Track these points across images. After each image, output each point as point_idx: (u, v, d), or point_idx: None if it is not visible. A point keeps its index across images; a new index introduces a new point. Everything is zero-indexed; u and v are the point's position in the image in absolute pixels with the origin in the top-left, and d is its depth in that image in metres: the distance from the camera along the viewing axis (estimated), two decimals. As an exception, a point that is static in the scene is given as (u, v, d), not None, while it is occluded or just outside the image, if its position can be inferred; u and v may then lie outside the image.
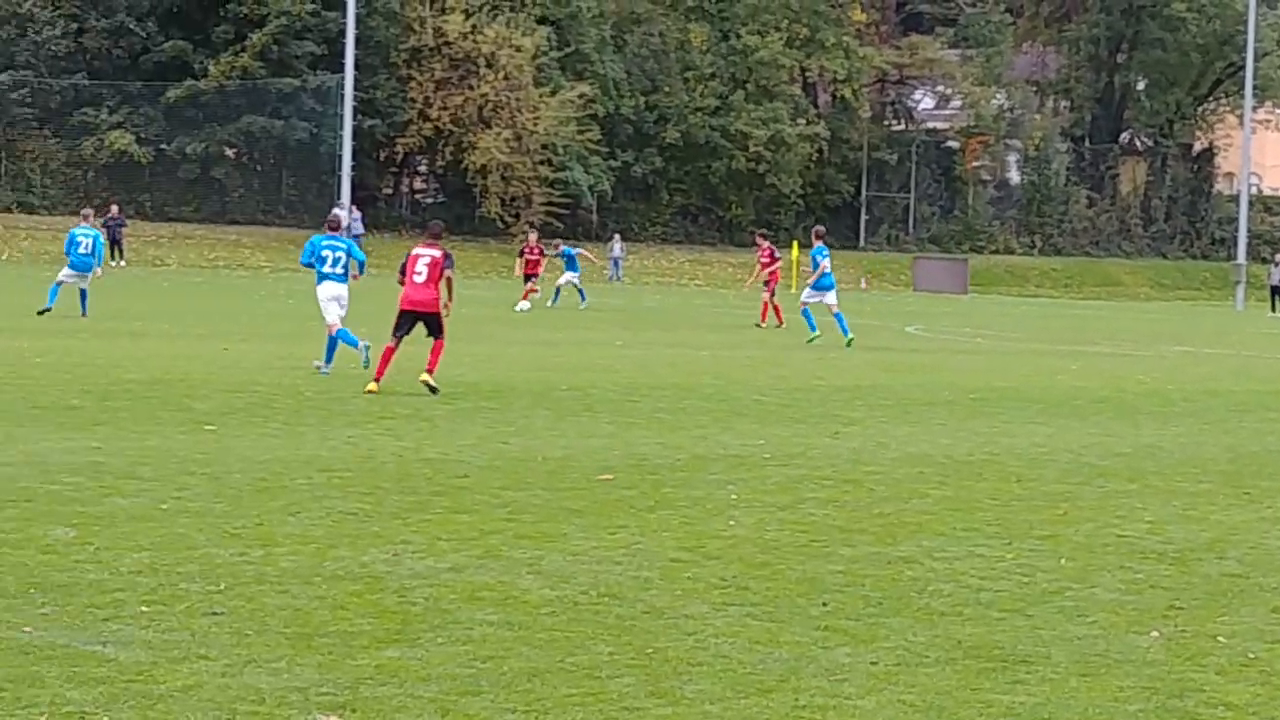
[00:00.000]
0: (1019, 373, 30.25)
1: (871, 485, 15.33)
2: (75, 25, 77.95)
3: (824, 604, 10.28)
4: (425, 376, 21.61)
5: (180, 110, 77.28)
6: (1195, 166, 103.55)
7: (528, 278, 47.12)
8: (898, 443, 18.64)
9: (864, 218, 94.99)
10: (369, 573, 10.68)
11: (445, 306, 22.15)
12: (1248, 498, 15.48)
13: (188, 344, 28.61)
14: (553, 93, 79.87)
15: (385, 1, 79.60)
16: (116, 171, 77.77)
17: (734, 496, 14.35)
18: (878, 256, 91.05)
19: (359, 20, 75.99)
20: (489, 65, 79.00)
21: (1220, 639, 9.74)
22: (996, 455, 17.91)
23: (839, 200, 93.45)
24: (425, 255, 22.08)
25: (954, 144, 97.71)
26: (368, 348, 23.76)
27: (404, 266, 22.33)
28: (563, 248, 51.27)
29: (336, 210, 72.29)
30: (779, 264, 43.66)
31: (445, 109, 79.38)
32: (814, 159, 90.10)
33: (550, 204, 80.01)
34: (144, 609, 9.46)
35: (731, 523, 13.05)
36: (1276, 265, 75.87)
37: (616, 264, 77.50)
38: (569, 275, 49.41)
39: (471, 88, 79.43)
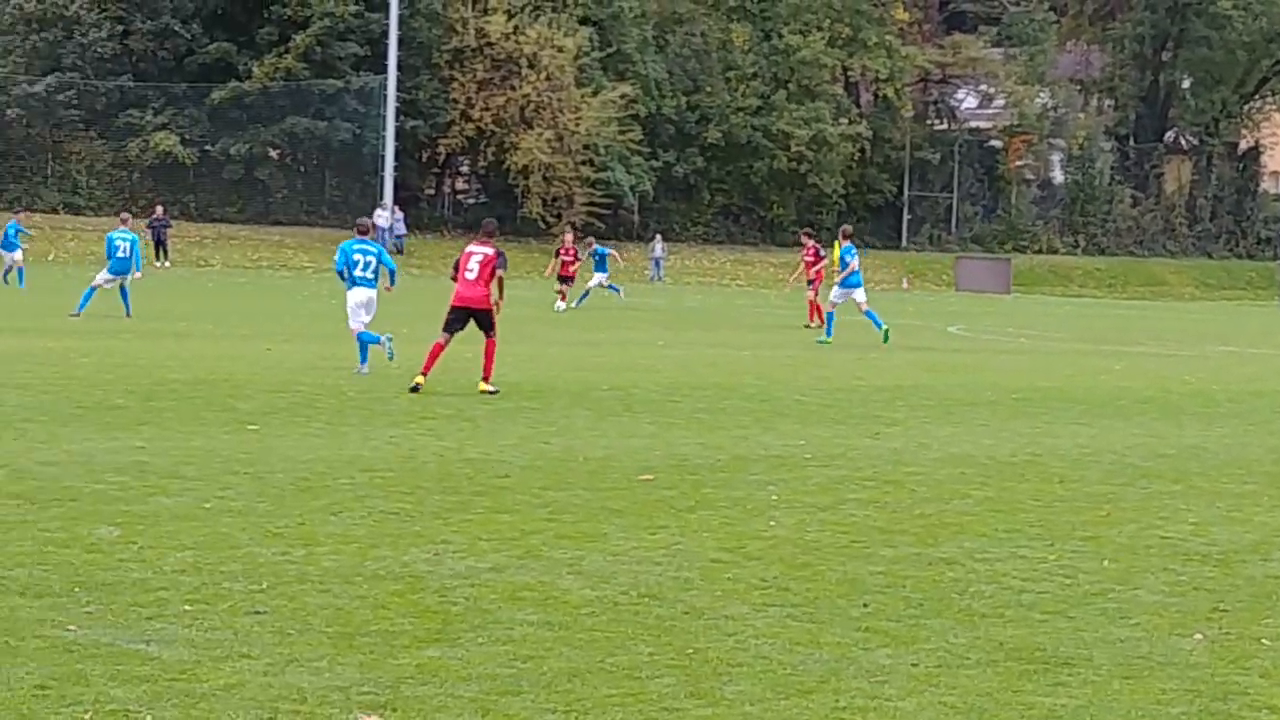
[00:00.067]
0: (1062, 373, 30.13)
1: (913, 486, 15.29)
2: (121, 28, 78.34)
3: (865, 605, 10.26)
4: (484, 385, 21.71)
5: (224, 111, 77.62)
6: (1241, 165, 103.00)
7: (562, 279, 46.83)
8: (939, 443, 18.59)
9: (906, 217, 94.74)
10: (410, 572, 10.71)
11: (496, 304, 22.25)
12: (1292, 499, 15.39)
13: (231, 344, 28.73)
14: (594, 93, 79.91)
15: (428, 2, 79.79)
16: (161, 173, 78.16)
17: (775, 497, 14.33)
18: (920, 256, 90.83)
19: (402, 21, 76.27)
20: (531, 66, 79.08)
21: (1264, 642, 9.69)
22: (1039, 456, 17.85)
23: (881, 200, 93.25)
24: (478, 253, 22.20)
25: (997, 143, 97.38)
26: (390, 339, 24.10)
27: (456, 264, 22.42)
28: (595, 246, 51.14)
29: (379, 212, 72.45)
30: (823, 263, 43.54)
31: (487, 110, 79.51)
32: (856, 158, 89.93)
33: (592, 204, 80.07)
34: (187, 608, 9.51)
35: (772, 523, 13.04)
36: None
37: (658, 264, 77.49)
38: (598, 277, 49.31)
39: (513, 88, 79.54)
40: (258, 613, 9.46)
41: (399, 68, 76.47)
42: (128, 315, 34.20)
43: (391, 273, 25.44)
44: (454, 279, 22.56)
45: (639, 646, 9.05)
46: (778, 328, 42.38)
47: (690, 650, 9.00)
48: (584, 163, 79.54)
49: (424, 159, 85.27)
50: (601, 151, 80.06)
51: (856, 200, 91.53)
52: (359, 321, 24.39)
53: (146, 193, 76.67)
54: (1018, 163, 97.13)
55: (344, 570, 10.69)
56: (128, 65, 78.77)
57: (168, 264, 66.45)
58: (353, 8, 77.72)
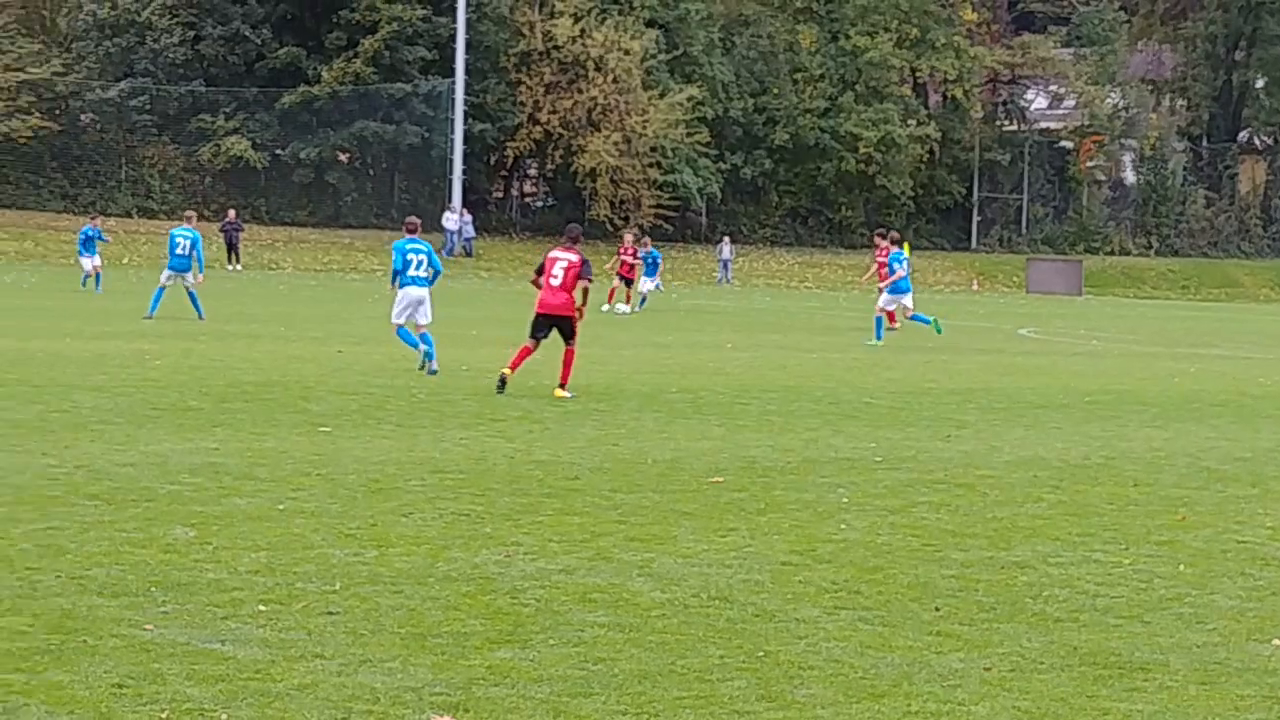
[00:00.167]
0: (1135, 375, 29.93)
1: (984, 489, 15.22)
2: (192, 33, 78.99)
3: (936, 609, 10.22)
4: (559, 392, 21.70)
5: (294, 116, 78.15)
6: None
7: (623, 279, 46.72)
8: (1011, 446, 18.50)
9: (976, 219, 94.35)
10: (481, 574, 10.75)
11: (578, 311, 22.21)
12: (1369, 503, 15.23)
13: (303, 347, 28.90)
14: (661, 95, 79.95)
15: (495, 6, 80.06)
16: (233, 177, 78.80)
17: (845, 500, 14.30)
18: (990, 258, 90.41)
19: (469, 25, 76.55)
20: (598, 68, 79.21)
21: (1341, 646, 9.60)
22: (1112, 459, 17.73)
23: (950, 201, 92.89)
24: (563, 259, 22.10)
25: (1068, 144, 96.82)
26: (428, 355, 24.22)
27: (540, 268, 22.37)
28: (650, 248, 50.94)
29: (448, 215, 72.81)
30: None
31: (554, 112, 79.70)
32: (925, 160, 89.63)
33: (659, 206, 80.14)
34: (261, 608, 9.57)
35: (843, 526, 13.01)
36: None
37: (726, 266, 77.45)
38: (647, 281, 49.10)
39: (580, 91, 79.69)
40: (331, 613, 9.51)
41: (467, 71, 76.76)
42: (200, 318, 34.43)
43: (437, 273, 25.43)
44: (534, 283, 22.51)
45: (710, 649, 9.05)
46: (846, 330, 42.27)
47: (761, 653, 9.00)
48: (651, 165, 79.59)
49: (492, 162, 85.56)
50: (669, 154, 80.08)
51: (925, 202, 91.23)
52: (403, 318, 24.51)
53: (218, 197, 77.32)
54: (1089, 163, 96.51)
55: (416, 571, 10.74)
56: (199, 70, 79.42)
57: (239, 267, 66.92)
58: (420, 12, 78.12)
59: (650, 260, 49.21)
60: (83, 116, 79.39)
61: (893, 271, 36.76)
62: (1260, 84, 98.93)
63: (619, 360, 28.41)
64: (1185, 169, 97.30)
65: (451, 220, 76.70)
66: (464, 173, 78.15)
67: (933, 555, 11.94)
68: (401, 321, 24.74)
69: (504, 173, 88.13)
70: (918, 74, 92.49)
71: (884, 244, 43.14)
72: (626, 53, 78.95)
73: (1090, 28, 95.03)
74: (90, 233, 47.97)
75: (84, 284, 46.70)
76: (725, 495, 14.28)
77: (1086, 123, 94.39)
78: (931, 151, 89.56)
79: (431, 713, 7.76)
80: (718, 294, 66.49)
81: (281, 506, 12.89)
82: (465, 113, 77.17)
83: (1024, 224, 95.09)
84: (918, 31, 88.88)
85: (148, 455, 15.24)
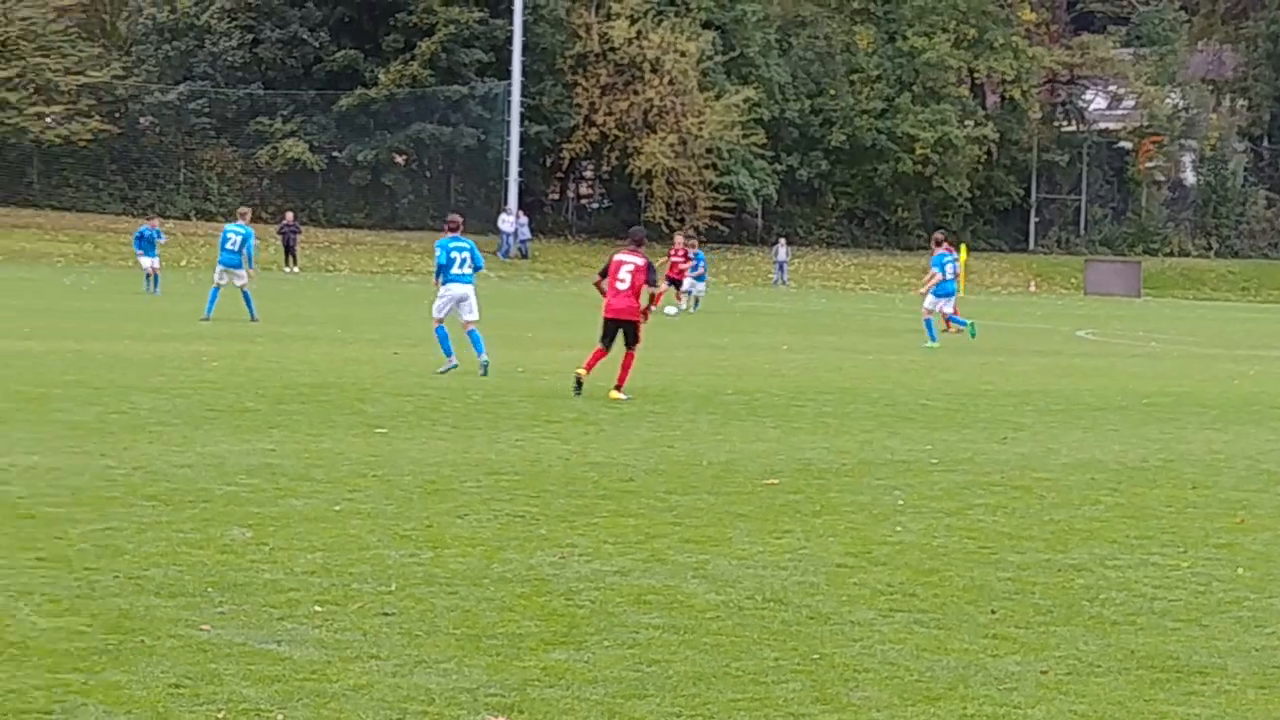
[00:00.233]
0: (1194, 378, 29.74)
1: (1041, 491, 15.16)
2: (250, 36, 79.42)
3: (992, 611, 10.19)
4: (615, 394, 21.72)
5: (351, 118, 78.48)
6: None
7: (672, 280, 46.64)
8: (1068, 448, 18.41)
9: (1034, 220, 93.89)
10: (536, 575, 10.77)
11: (644, 313, 22.23)
12: None
13: (359, 349, 29.02)
14: (717, 97, 79.88)
15: (552, 8, 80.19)
16: (290, 179, 79.19)
17: (900, 502, 14.26)
18: (1047, 259, 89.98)
19: (525, 27, 76.70)
20: (654, 70, 79.21)
21: (1403, 651, 9.51)
22: (1171, 461, 17.62)
23: (1008, 202, 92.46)
24: (629, 263, 22.10)
25: (1127, 145, 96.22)
26: (453, 367, 24.29)
27: (605, 270, 22.35)
28: (696, 251, 50.79)
29: (504, 217, 72.89)
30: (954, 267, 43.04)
31: (610, 114, 79.76)
32: (982, 161, 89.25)
33: (715, 208, 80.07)
34: (317, 609, 9.61)
35: (898, 528, 12.97)
36: None
37: (781, 268, 77.33)
38: (696, 284, 48.95)
39: (636, 93, 79.71)
40: (387, 614, 9.54)
41: (523, 73, 76.91)
42: (254, 319, 34.56)
43: (478, 269, 25.40)
44: (598, 286, 22.50)
45: (764, 651, 9.04)
46: (903, 332, 42.14)
47: (816, 655, 8.98)
48: (707, 167, 79.53)
49: (548, 164, 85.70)
50: (725, 155, 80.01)
51: (983, 203, 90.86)
52: (445, 313, 24.60)
53: (276, 199, 77.71)
54: (1148, 164, 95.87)
55: (471, 572, 10.77)
56: (257, 73, 79.84)
57: (297, 269, 67.23)
58: (477, 14, 78.32)
59: (698, 261, 49.19)
60: (142, 119, 79.97)
61: (942, 270, 36.65)
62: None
63: (674, 362, 28.40)
64: (1246, 169, 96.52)
65: (507, 222, 76.86)
66: (520, 175, 78.30)
67: (989, 558, 11.89)
68: (442, 318, 24.72)
69: (560, 174, 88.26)
70: (975, 74, 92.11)
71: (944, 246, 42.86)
72: (683, 54, 78.90)
73: (1150, 27, 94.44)
74: (147, 232, 48.15)
75: (147, 287, 46.72)
76: (780, 497, 14.26)
77: (1146, 123, 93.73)
78: (989, 152, 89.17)
79: (486, 714, 7.77)
80: (773, 296, 66.42)
81: (337, 507, 12.95)
82: (521, 115, 77.31)
83: (1082, 225, 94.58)
84: (975, 32, 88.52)
85: (205, 456, 15.33)
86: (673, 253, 47.53)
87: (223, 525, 12.01)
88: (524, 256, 76.95)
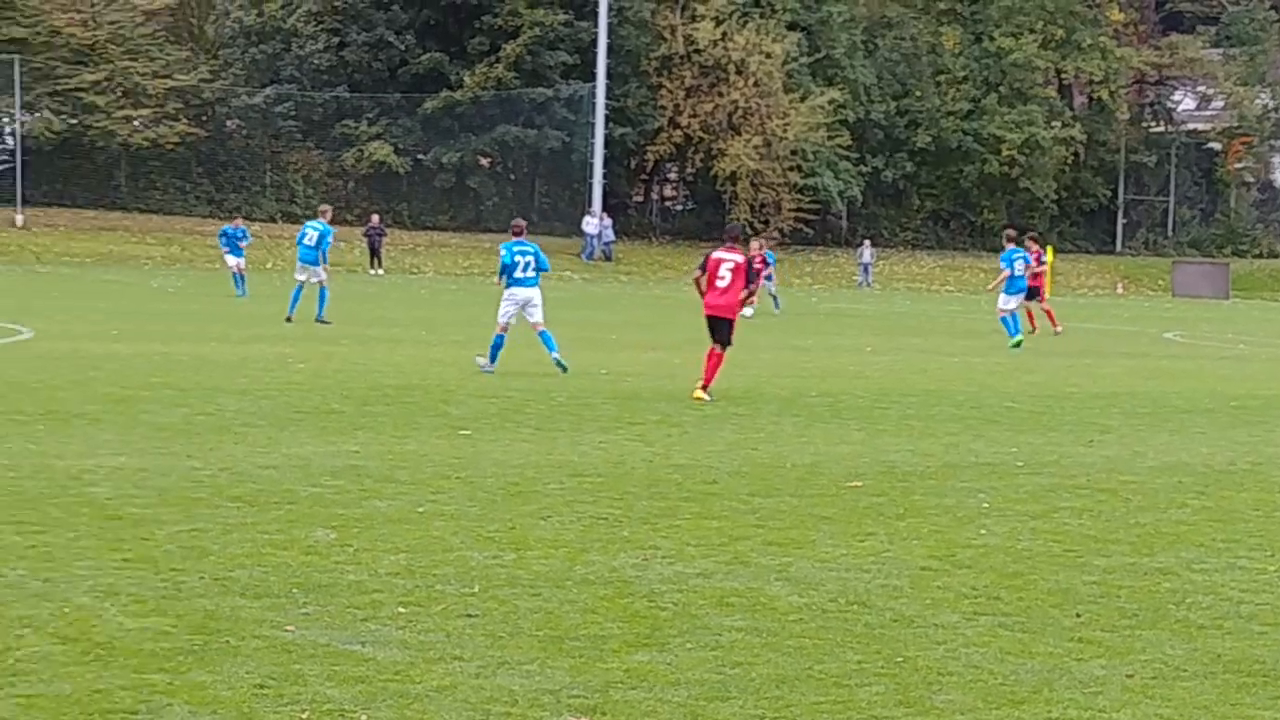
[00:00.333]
0: (1283, 380, 29.40)
1: (1127, 495, 15.03)
2: (337, 40, 79.97)
3: (1078, 615, 10.11)
4: (699, 394, 21.72)
5: (437, 120, 78.86)
6: None
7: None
8: (1155, 451, 18.25)
9: (1121, 221, 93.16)
10: (619, 577, 10.78)
11: (746, 301, 22.29)
12: None
13: (443, 350, 29.14)
14: (803, 98, 79.72)
15: (636, 10, 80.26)
16: (376, 181, 79.66)
17: (985, 505, 14.18)
18: (1135, 261, 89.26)
19: (610, 29, 76.82)
20: (739, 72, 79.13)
21: None
22: (1259, 465, 17.44)
23: (1095, 204, 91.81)
24: (729, 260, 22.17)
25: (1215, 145, 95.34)
26: (489, 368, 24.56)
27: (704, 265, 22.35)
28: (766, 252, 50.59)
29: (588, 219, 73.02)
30: (1044, 268, 42.78)
31: (695, 116, 79.74)
32: (1069, 162, 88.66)
33: (799, 210, 79.90)
34: (401, 610, 9.66)
35: (983, 531, 12.90)
36: None
37: (866, 270, 77.08)
38: (768, 284, 48.80)
39: (721, 94, 79.66)
40: (470, 615, 9.58)
41: (608, 75, 77.02)
42: (319, 319, 34.46)
43: (542, 271, 25.45)
44: (697, 282, 22.50)
45: (847, 654, 9.01)
46: (988, 334, 41.86)
47: (899, 658, 8.94)
48: (792, 168, 79.37)
49: (632, 166, 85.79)
50: (809, 157, 79.82)
51: (1069, 204, 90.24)
52: (511, 318, 24.75)
53: (361, 201, 78.20)
54: (1237, 165, 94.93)
55: (554, 574, 10.79)
56: (343, 76, 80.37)
57: (381, 272, 67.60)
58: (562, 17, 78.50)
59: (770, 263, 49.09)
60: (229, 122, 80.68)
61: (1010, 267, 36.33)
62: None
63: (758, 364, 28.36)
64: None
65: (591, 224, 77.01)
66: (604, 177, 78.42)
67: (1074, 561, 11.81)
68: (509, 322, 24.90)
69: (644, 176, 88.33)
70: (1063, 75, 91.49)
71: (1035, 247, 42.49)
72: (768, 56, 78.78)
73: (1240, 27, 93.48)
74: (230, 231, 48.48)
75: (236, 287, 46.95)
76: (864, 500, 14.22)
77: (1235, 124, 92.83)
78: (1076, 154, 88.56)
79: (569, 715, 7.79)
80: (858, 297, 66.21)
81: (421, 509, 13.01)
82: (606, 117, 77.43)
83: (1170, 226, 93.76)
84: (1063, 32, 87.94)
85: (290, 458, 15.44)
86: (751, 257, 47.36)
87: (307, 527, 12.09)
88: (608, 259, 77.06)
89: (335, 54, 79.91)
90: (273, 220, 76.28)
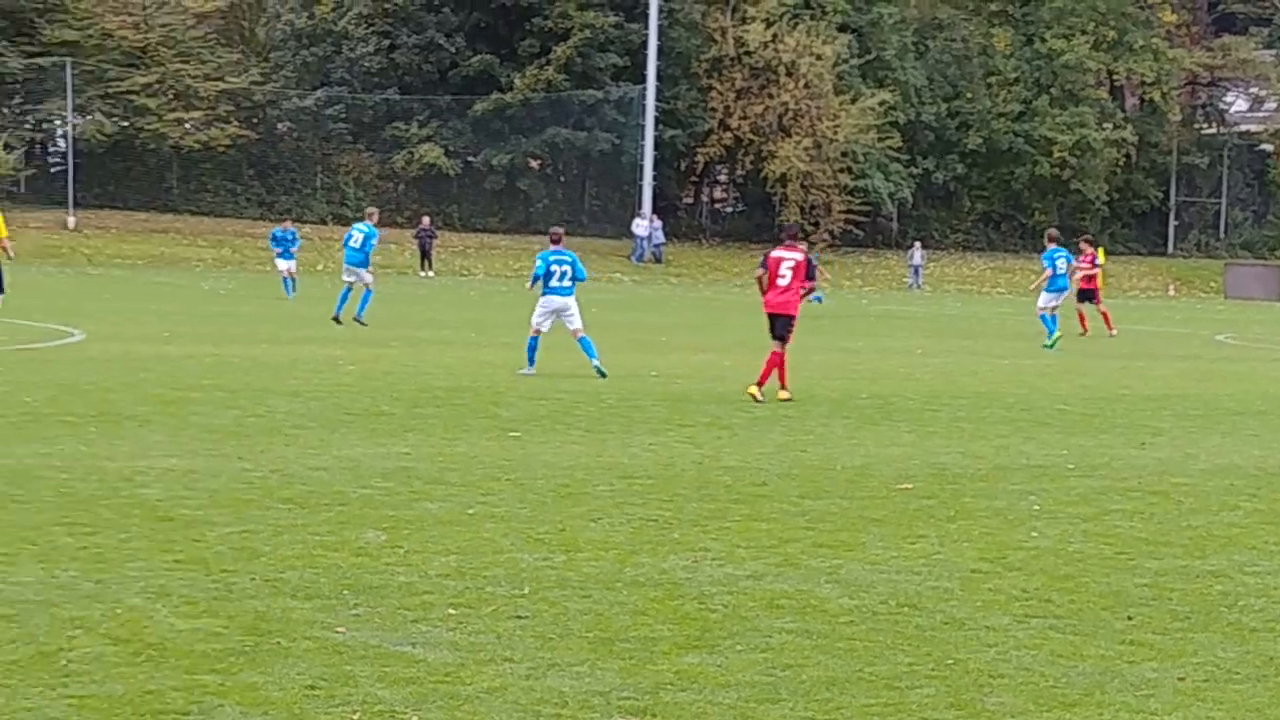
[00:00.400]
0: (1337, 382, 29.18)
1: (1179, 497, 14.95)
2: (387, 42, 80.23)
3: (1129, 618, 10.07)
4: (753, 389, 21.76)
5: (487, 123, 79.02)
6: None
7: None
8: (1207, 454, 18.14)
9: (1173, 223, 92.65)
10: (669, 579, 10.77)
11: (807, 291, 22.54)
12: None
13: (493, 352, 29.20)
14: (853, 100, 79.57)
15: (687, 13, 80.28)
16: (426, 183, 79.88)
17: (1036, 507, 14.13)
18: (1187, 263, 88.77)
19: (661, 31, 76.84)
20: (789, 74, 79.04)
21: None
22: (1313, 468, 17.31)
23: (1146, 206, 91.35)
24: (789, 259, 22.28)
25: (1268, 147, 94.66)
26: (529, 370, 24.72)
27: (765, 262, 22.45)
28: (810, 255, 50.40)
29: (638, 221, 73.08)
30: (1098, 270, 42.56)
31: (745, 118, 79.68)
32: (1121, 164, 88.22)
33: (850, 212, 79.74)
34: (451, 611, 9.68)
35: (1034, 534, 12.85)
36: None
37: (917, 272, 76.90)
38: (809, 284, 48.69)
39: (771, 96, 79.58)
40: (520, 617, 9.59)
41: (658, 77, 77.04)
42: (357, 319, 34.50)
43: (578, 280, 25.51)
44: (759, 280, 22.59)
45: (898, 656, 8.99)
46: (1039, 336, 41.66)
47: (950, 661, 8.92)
48: (842, 170, 79.23)
49: (682, 168, 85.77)
50: (860, 159, 79.68)
51: (1121, 206, 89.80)
52: (548, 324, 24.89)
53: (411, 204, 78.44)
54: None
55: (604, 576, 10.80)
56: (394, 79, 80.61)
57: (432, 274, 67.81)
58: (612, 19, 78.56)
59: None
60: (280, 125, 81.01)
61: (1053, 267, 36.36)
62: None
63: (809, 365, 28.31)
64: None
65: (641, 226, 77.05)
66: (654, 179, 78.44)
67: (1126, 564, 11.76)
68: (544, 328, 24.99)
69: (694, 178, 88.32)
70: (1114, 77, 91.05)
71: (1089, 249, 42.26)
72: (818, 58, 78.65)
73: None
74: (280, 234, 48.67)
75: (286, 290, 47.12)
76: (914, 502, 14.18)
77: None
78: (1128, 155, 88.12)
79: (618, 717, 7.79)
80: (908, 299, 66.05)
81: (471, 511, 13.04)
82: (656, 119, 77.45)
83: (1222, 228, 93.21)
84: (1115, 34, 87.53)
85: (340, 460, 15.49)
86: None
87: (358, 528, 12.13)
88: (658, 260, 77.08)
89: (386, 56, 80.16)
90: (323, 222, 76.56)
